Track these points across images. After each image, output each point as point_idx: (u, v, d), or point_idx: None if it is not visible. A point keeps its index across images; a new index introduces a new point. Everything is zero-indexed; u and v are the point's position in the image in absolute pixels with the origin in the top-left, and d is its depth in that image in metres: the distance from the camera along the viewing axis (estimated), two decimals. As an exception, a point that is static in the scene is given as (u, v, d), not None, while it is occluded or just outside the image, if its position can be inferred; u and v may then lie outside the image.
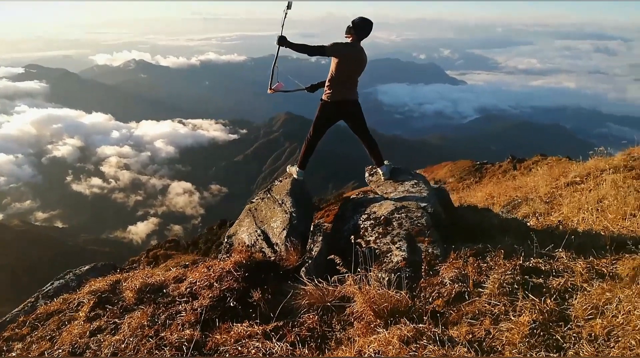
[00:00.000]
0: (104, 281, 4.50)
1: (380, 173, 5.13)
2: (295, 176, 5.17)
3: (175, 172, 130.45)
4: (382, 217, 4.04)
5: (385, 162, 5.19)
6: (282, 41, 4.53)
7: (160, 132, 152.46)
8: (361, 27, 4.60)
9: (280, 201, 4.78)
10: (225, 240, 4.89)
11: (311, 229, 4.34)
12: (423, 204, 4.23)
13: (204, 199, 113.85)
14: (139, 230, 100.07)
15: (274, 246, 4.38)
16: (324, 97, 4.79)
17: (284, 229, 4.37)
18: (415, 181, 4.84)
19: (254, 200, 5.21)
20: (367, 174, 5.38)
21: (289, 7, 4.63)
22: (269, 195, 5.06)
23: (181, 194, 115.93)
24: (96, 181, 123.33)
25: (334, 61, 4.61)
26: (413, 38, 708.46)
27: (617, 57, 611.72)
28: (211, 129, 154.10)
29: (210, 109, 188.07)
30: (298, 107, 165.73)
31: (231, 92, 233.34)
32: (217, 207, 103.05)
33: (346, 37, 4.66)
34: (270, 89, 4.92)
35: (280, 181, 5.30)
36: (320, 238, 4.07)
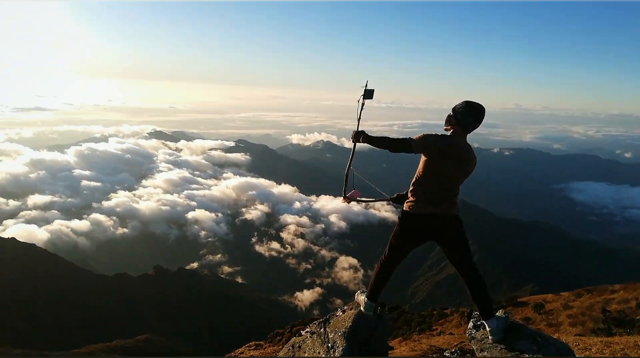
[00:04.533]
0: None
1: (488, 329, 3.54)
2: (362, 309, 3.98)
3: (344, 246, 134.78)
4: None
5: (498, 313, 3.66)
6: (359, 137, 3.68)
7: (335, 208, 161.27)
8: (466, 115, 3.41)
9: (329, 344, 3.60)
10: None
11: None
12: None
13: (367, 278, 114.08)
14: (305, 297, 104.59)
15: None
16: (405, 206, 3.64)
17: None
18: (541, 356, 3.07)
19: (304, 332, 4.13)
20: (470, 325, 3.89)
21: (367, 96, 3.81)
22: (322, 329, 3.88)
23: (347, 269, 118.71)
24: (275, 245, 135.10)
25: (422, 160, 3.54)
26: (616, 134, 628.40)
27: None
28: (382, 210, 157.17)
29: (384, 191, 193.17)
30: (475, 197, 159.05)
31: (405, 175, 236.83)
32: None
33: (445, 129, 3.58)
34: (345, 198, 4.01)
35: (344, 311, 4.07)
36: None
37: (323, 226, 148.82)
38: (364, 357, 3.56)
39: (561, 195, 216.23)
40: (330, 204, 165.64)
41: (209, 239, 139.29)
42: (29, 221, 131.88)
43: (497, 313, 3.61)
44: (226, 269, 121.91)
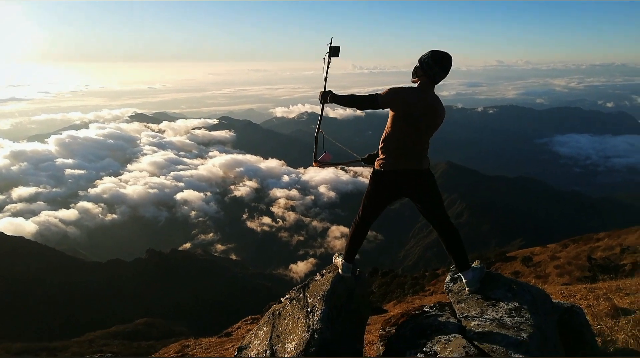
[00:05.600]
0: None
1: (464, 280, 3.52)
2: (340, 271, 3.92)
3: (335, 216, 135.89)
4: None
5: (474, 264, 3.62)
6: (327, 97, 3.60)
7: (324, 178, 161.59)
8: (432, 65, 3.26)
9: (309, 308, 3.54)
10: (235, 353, 3.80)
11: None
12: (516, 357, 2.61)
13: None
14: (299, 268, 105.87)
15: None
16: (375, 165, 3.53)
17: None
18: (517, 303, 3.11)
19: (283, 298, 4.05)
20: (448, 278, 3.86)
21: (332, 53, 3.62)
22: (301, 295, 3.82)
23: (339, 238, 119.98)
24: (266, 219, 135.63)
25: (390, 115, 3.41)
26: (598, 85, 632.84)
27: None
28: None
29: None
30: (461, 157, 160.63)
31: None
32: (372, 253, 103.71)
33: (413, 81, 3.44)
34: (316, 162, 3.89)
35: (323, 275, 4.03)
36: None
37: (313, 197, 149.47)
38: (343, 320, 3.54)
39: (545, 149, 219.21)
40: (318, 176, 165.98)
41: (200, 219, 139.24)
42: (15, 215, 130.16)
43: (472, 265, 3.58)
44: (219, 247, 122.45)
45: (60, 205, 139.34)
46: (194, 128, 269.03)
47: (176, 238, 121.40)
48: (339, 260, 4.04)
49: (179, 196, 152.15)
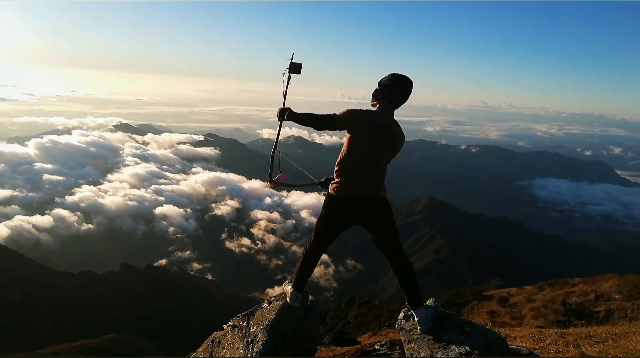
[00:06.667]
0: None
1: (416, 319, 3.34)
2: (288, 300, 3.71)
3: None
4: None
5: (429, 302, 3.46)
6: (284, 114, 3.44)
7: (306, 203, 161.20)
8: (392, 88, 3.15)
9: (250, 338, 3.31)
10: None
11: None
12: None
13: (338, 273, 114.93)
14: (276, 293, 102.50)
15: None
16: (330, 189, 3.36)
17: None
18: (468, 348, 2.98)
19: (226, 325, 3.84)
20: (401, 315, 3.66)
21: (293, 70, 3.51)
22: (245, 322, 3.62)
23: (318, 265, 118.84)
24: (246, 241, 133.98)
25: (347, 137, 3.26)
26: (577, 133, 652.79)
27: None
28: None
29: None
30: (442, 193, 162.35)
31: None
32: (350, 282, 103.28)
33: (372, 104, 3.30)
34: (271, 182, 3.77)
35: (270, 302, 3.82)
36: None
37: (294, 221, 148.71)
38: (285, 353, 3.36)
39: (525, 191, 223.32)
40: (301, 200, 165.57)
41: (178, 235, 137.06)
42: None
43: (427, 302, 3.44)
44: (196, 266, 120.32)
45: (35, 211, 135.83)
46: (178, 143, 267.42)
47: (152, 253, 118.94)
48: (288, 288, 3.82)
49: (158, 210, 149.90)
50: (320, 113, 3.25)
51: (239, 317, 3.80)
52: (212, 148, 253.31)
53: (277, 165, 3.73)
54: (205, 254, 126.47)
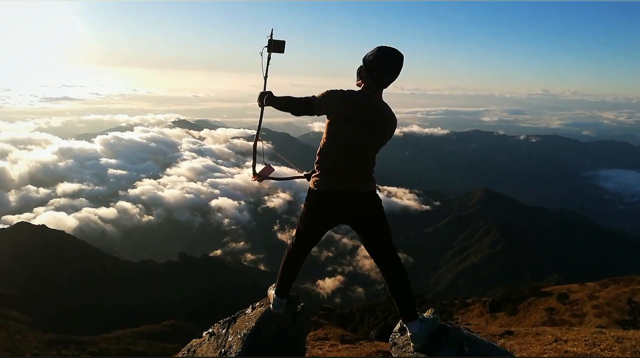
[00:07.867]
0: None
1: (409, 334, 2.89)
2: (271, 306, 3.29)
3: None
4: None
5: (426, 314, 3.03)
6: (265, 99, 2.95)
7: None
8: (376, 63, 2.64)
9: (224, 349, 2.97)
10: None
11: None
12: None
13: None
14: (327, 285, 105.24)
15: None
16: (310, 183, 3.00)
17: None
18: None
19: (205, 332, 3.50)
20: (397, 328, 3.21)
21: (274, 48, 3.02)
22: (224, 330, 3.24)
23: (368, 258, 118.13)
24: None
25: (327, 123, 2.83)
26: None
27: None
28: (405, 198, 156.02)
29: (406, 179, 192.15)
30: (499, 185, 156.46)
31: (429, 164, 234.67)
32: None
33: (357, 84, 2.83)
34: (255, 175, 3.43)
35: (254, 308, 3.42)
36: None
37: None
38: None
39: (590, 183, 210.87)
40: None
41: (232, 227, 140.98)
42: (58, 209, 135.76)
43: (425, 314, 2.99)
44: (249, 257, 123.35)
45: (100, 203, 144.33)
46: (233, 137, 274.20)
47: (208, 244, 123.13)
48: (271, 293, 3.38)
49: (213, 202, 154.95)
50: (299, 96, 2.79)
51: (219, 323, 3.41)
52: (265, 141, 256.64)
53: (261, 156, 3.40)
54: (258, 245, 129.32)
